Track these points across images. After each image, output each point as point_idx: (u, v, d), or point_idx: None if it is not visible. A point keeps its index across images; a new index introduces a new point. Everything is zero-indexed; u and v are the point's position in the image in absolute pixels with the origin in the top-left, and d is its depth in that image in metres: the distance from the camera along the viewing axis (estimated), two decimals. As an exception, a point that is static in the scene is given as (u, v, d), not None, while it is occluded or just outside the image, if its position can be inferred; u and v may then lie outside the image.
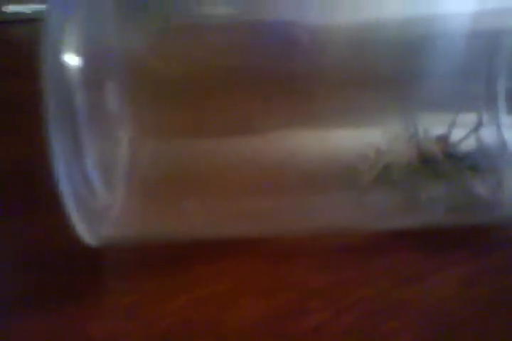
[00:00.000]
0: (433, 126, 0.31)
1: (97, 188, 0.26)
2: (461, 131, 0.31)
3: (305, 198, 0.29)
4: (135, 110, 0.30)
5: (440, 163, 0.29)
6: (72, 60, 0.24)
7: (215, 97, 0.30)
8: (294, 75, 0.30)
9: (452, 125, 0.30)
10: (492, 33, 0.33)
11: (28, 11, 0.67)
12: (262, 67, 0.30)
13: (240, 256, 0.27)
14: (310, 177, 0.30)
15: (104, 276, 0.27)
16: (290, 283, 0.26)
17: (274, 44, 0.29)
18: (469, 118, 0.31)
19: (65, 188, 0.23)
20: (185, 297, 0.25)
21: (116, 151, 0.29)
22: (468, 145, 0.30)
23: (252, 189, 0.30)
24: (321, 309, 0.25)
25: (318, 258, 0.27)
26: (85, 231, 0.25)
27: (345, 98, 0.31)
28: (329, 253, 0.27)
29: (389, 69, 0.31)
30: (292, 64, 0.30)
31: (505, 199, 0.29)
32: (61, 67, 0.24)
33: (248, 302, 0.25)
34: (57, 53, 0.24)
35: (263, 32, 0.30)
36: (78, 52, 0.25)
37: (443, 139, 0.30)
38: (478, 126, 0.30)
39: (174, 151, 0.31)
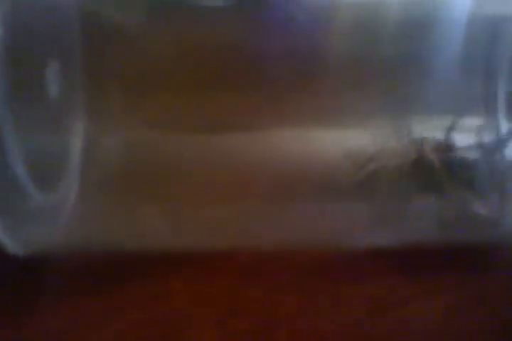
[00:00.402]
0: (431, 129, 0.27)
1: (28, 187, 0.22)
2: (462, 137, 0.27)
3: (279, 206, 0.25)
4: (94, 95, 0.26)
5: (436, 171, 0.25)
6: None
7: (193, 89, 0.27)
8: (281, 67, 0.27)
9: (451, 130, 0.26)
10: (491, 26, 0.29)
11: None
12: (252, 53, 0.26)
13: (196, 271, 0.23)
14: (287, 182, 0.26)
15: (32, 293, 0.22)
16: (254, 306, 0.22)
17: (273, 24, 0.26)
18: (471, 122, 0.28)
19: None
20: (125, 321, 0.21)
21: (58, 143, 0.25)
22: (470, 153, 0.26)
23: (220, 194, 0.26)
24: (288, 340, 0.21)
25: (288, 278, 0.23)
26: (10, 238, 0.21)
27: (336, 94, 0.28)
28: (302, 273, 0.23)
29: (388, 57, 0.27)
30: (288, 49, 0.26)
31: (506, 217, 0.25)
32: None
33: (202, 329, 0.21)
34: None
35: (262, 12, 0.26)
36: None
37: (442, 145, 0.26)
38: (480, 132, 0.26)
39: (138, 146, 0.27)
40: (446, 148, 0.25)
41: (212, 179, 0.26)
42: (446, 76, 0.30)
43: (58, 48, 0.24)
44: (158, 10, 0.26)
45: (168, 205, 0.25)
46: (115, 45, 0.25)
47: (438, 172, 0.25)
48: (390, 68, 0.29)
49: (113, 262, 0.23)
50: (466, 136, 0.26)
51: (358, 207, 0.25)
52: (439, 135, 0.26)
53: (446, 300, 0.23)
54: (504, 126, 0.30)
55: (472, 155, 0.25)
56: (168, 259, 0.23)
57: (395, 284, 0.23)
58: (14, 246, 0.21)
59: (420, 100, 0.29)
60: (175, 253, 0.23)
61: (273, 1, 0.27)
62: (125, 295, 0.22)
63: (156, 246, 0.24)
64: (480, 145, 0.25)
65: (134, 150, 0.26)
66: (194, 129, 0.27)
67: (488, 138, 0.30)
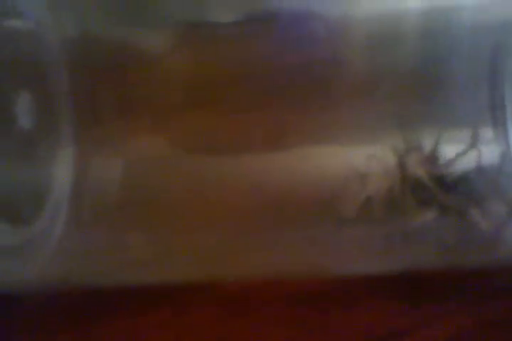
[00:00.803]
0: (425, 142, 0.25)
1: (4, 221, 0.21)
2: (457, 148, 0.26)
3: (270, 233, 0.24)
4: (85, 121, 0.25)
5: (428, 189, 0.23)
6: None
7: (193, 110, 0.26)
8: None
9: (440, 141, 0.24)
10: (495, 27, 0.28)
11: None
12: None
13: (180, 304, 0.22)
14: (279, 207, 0.25)
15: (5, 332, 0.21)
16: (242, 339, 0.21)
17: (288, 38, 0.25)
18: (466, 132, 0.26)
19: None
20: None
21: (36, 175, 0.24)
22: (464, 165, 0.24)
23: (209, 220, 0.25)
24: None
25: (278, 309, 0.22)
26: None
27: (345, 110, 0.27)
28: (291, 303, 0.22)
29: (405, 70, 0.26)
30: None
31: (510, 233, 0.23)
32: None
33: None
34: None
35: (277, 26, 0.25)
36: None
37: (430, 159, 0.24)
38: (474, 141, 0.24)
39: (132, 172, 0.26)
40: (435, 160, 0.24)
41: (203, 205, 0.25)
42: (453, 86, 0.28)
43: (31, 78, 0.23)
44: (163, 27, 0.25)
45: (155, 234, 0.24)
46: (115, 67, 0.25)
47: (429, 188, 0.23)
48: (401, 81, 0.28)
49: (93, 297, 0.22)
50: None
51: (352, 233, 0.23)
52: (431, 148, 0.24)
53: (448, 330, 0.21)
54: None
55: (467, 167, 0.23)
56: (154, 291, 0.22)
57: (392, 313, 0.21)
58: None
59: (429, 113, 0.28)
60: (161, 285, 0.22)
61: (281, 16, 0.26)
62: (102, 333, 0.21)
63: (141, 278, 0.23)
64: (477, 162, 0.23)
65: (131, 176, 0.26)
66: (194, 150, 0.26)
67: (494, 149, 0.28)
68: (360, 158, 0.26)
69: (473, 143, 0.24)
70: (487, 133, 0.28)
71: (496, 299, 0.21)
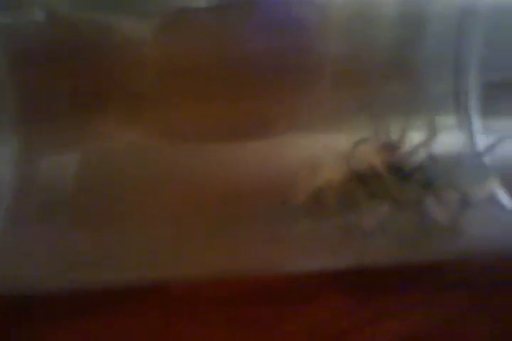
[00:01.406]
0: (386, 130, 0.25)
1: None
2: (417, 135, 0.25)
3: (220, 229, 0.23)
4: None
5: (383, 179, 0.23)
6: None
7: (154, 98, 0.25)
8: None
9: (398, 130, 0.24)
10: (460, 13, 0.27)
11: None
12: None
13: (121, 308, 0.21)
14: (232, 200, 0.24)
15: None
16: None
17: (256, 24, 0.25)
18: (427, 120, 0.25)
19: None
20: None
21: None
22: (422, 154, 0.23)
23: (163, 218, 0.24)
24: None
25: (224, 309, 0.21)
26: None
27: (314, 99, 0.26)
28: (239, 302, 0.21)
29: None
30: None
31: (468, 224, 0.22)
32: None
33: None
34: None
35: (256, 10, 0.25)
36: None
37: (386, 148, 0.24)
38: (433, 130, 0.23)
39: (86, 167, 0.25)
40: (391, 149, 0.23)
41: (157, 200, 0.24)
42: (417, 74, 0.28)
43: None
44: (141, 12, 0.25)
45: (101, 234, 0.23)
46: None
47: (384, 178, 0.22)
48: (368, 68, 0.27)
49: (22, 302, 0.21)
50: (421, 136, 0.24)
51: (303, 228, 0.23)
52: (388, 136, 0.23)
53: (401, 326, 0.20)
54: (476, 123, 0.27)
55: (424, 156, 0.23)
56: (93, 296, 0.21)
57: (343, 310, 0.20)
58: None
59: (396, 100, 0.27)
60: (102, 288, 0.21)
61: (259, 1, 0.25)
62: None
63: (82, 281, 0.22)
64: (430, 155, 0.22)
65: (83, 172, 0.25)
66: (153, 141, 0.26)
67: (460, 136, 0.27)
68: (316, 147, 0.25)
69: (432, 131, 0.23)
70: (449, 120, 0.27)
71: (450, 292, 0.20)
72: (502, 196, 0.24)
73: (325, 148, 0.25)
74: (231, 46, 0.25)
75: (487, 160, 0.24)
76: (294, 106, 0.27)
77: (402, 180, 0.23)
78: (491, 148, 0.24)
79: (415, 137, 0.24)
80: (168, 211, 0.24)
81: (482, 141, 0.26)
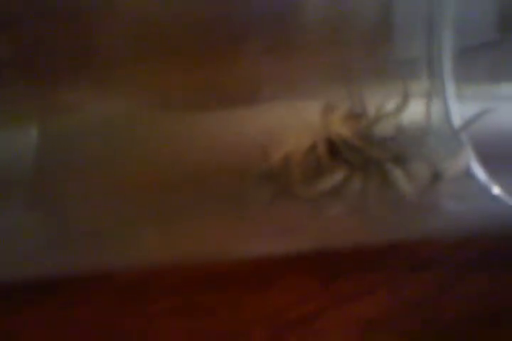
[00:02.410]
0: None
1: None
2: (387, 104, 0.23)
3: (174, 208, 0.21)
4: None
5: (349, 149, 0.21)
6: None
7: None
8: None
9: (363, 97, 0.21)
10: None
11: None
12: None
13: (67, 297, 0.19)
14: (196, 176, 0.22)
15: None
16: (132, 332, 0.18)
17: None
18: (397, 87, 0.23)
19: None
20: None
21: None
22: (391, 123, 0.21)
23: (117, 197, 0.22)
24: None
25: (177, 298, 0.19)
26: None
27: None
28: (195, 290, 0.19)
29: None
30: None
31: (438, 200, 0.20)
32: None
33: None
34: None
35: None
36: None
37: (354, 116, 0.21)
38: (405, 97, 0.21)
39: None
40: (361, 117, 0.21)
41: (115, 176, 0.22)
42: (391, 37, 0.25)
43: None
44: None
45: (49, 216, 0.21)
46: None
47: (354, 150, 0.20)
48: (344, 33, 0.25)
49: None
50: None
51: (266, 205, 0.20)
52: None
53: (370, 306, 0.18)
54: (451, 89, 0.25)
55: (395, 125, 0.21)
56: (39, 284, 0.19)
57: (305, 294, 0.19)
58: None
59: (368, 66, 0.25)
60: (47, 276, 0.19)
61: None
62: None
63: (26, 269, 0.20)
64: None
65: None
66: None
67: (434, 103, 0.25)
68: (284, 114, 0.23)
69: (404, 98, 0.21)
70: (422, 86, 0.25)
71: (416, 273, 0.18)
72: (476, 170, 0.23)
73: (293, 116, 0.22)
74: (213, 10, 0.23)
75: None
76: (275, 73, 0.24)
77: (369, 151, 0.21)
78: (468, 123, 0.22)
79: (386, 104, 0.22)
80: (128, 189, 0.22)
81: (457, 109, 0.24)
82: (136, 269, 0.18)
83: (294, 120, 0.22)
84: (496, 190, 0.22)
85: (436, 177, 0.20)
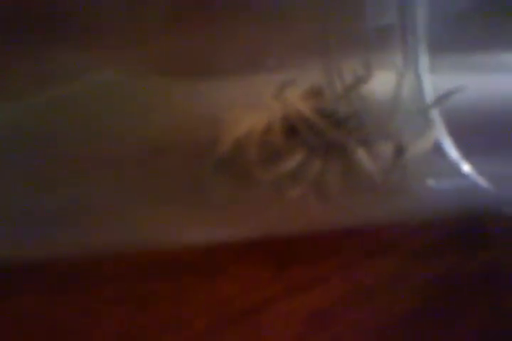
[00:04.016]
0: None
1: None
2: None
3: (124, 190, 0.20)
4: None
5: (310, 127, 0.19)
6: None
7: None
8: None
9: (331, 71, 0.20)
10: None
11: None
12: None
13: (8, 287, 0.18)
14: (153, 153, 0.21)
15: None
16: (73, 321, 0.17)
17: None
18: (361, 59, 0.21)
19: None
20: None
21: None
22: (356, 99, 0.20)
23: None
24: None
25: (120, 286, 0.18)
26: None
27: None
28: (136, 278, 0.18)
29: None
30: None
31: (405, 181, 0.19)
32: None
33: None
34: None
35: None
36: None
37: (315, 92, 0.20)
38: (367, 72, 0.20)
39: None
40: (323, 93, 0.19)
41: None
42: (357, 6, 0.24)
43: None
44: None
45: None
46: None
47: (313, 129, 0.19)
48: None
49: None
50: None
51: (215, 190, 0.19)
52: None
53: (321, 296, 0.17)
54: (424, 61, 0.24)
55: (358, 101, 0.19)
56: None
57: (258, 282, 0.18)
58: None
59: (337, 36, 0.23)
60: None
61: None
62: None
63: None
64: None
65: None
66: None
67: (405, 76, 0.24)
68: (238, 90, 0.22)
69: (367, 71, 0.20)
70: (394, 57, 0.24)
71: (372, 260, 0.17)
72: (448, 147, 0.21)
73: (249, 92, 0.21)
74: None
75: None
76: (233, 46, 0.23)
77: (330, 132, 0.19)
78: (439, 101, 0.21)
79: (350, 78, 0.21)
80: (79, 165, 0.20)
81: (430, 82, 0.23)
82: (78, 256, 0.17)
83: (250, 97, 0.20)
84: (466, 168, 0.21)
85: (399, 155, 0.19)
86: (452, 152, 0.22)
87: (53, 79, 0.21)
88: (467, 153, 0.21)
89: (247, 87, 0.22)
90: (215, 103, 0.22)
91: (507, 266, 0.17)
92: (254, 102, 0.21)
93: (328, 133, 0.20)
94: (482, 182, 0.21)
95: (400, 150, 0.19)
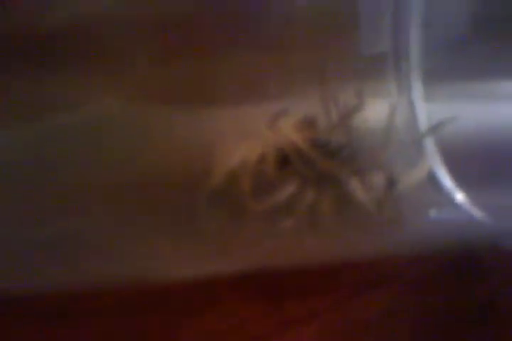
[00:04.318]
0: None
1: None
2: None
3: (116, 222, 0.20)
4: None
5: (303, 158, 0.19)
6: None
7: None
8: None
9: (327, 101, 0.20)
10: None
11: None
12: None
13: None
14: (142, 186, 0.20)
15: None
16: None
17: None
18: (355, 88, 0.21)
19: None
20: None
21: None
22: (348, 129, 0.20)
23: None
24: None
25: (109, 320, 0.17)
26: None
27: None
28: (125, 311, 0.18)
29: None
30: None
31: (397, 212, 0.19)
32: None
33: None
34: None
35: None
36: None
37: (308, 123, 0.20)
38: (360, 102, 0.20)
39: None
40: (316, 123, 0.19)
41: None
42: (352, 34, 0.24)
43: None
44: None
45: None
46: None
47: (307, 157, 0.19)
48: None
49: None
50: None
51: (210, 222, 0.19)
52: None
53: (317, 329, 0.17)
54: (417, 90, 0.24)
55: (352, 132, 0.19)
56: None
57: (251, 317, 0.17)
58: None
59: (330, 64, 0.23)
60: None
61: None
62: None
63: None
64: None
65: None
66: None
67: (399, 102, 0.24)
68: (233, 121, 0.22)
69: (360, 101, 0.20)
70: (388, 86, 0.24)
71: (366, 294, 0.17)
72: (442, 177, 0.21)
73: (243, 122, 0.21)
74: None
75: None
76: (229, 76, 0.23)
77: (323, 164, 0.19)
78: (433, 130, 0.21)
79: (344, 107, 0.21)
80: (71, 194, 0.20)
81: (424, 111, 0.23)
82: (67, 289, 0.17)
83: (244, 126, 0.20)
84: (461, 198, 0.21)
85: (392, 185, 0.19)
86: (447, 182, 0.21)
87: (53, 108, 0.21)
88: (462, 183, 0.21)
89: (243, 116, 0.21)
90: (210, 132, 0.22)
91: (503, 301, 0.17)
92: (249, 132, 0.20)
93: (321, 164, 0.19)
94: (477, 212, 0.20)
95: (392, 181, 0.19)
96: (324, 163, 0.19)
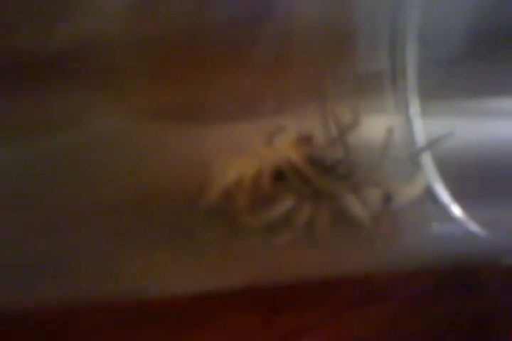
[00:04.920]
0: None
1: None
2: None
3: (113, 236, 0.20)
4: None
5: (299, 175, 0.19)
6: None
7: None
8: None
9: (325, 117, 0.20)
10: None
11: None
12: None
13: None
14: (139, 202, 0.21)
15: None
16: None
17: None
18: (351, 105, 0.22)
19: None
20: None
21: None
22: (345, 145, 0.20)
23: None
24: None
25: (106, 335, 0.18)
26: None
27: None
28: (122, 326, 0.18)
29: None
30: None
31: (395, 227, 0.19)
32: None
33: None
34: None
35: None
36: None
37: (304, 140, 0.20)
38: (355, 119, 0.20)
39: None
40: (312, 140, 0.20)
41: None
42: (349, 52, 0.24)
43: None
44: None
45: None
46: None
47: (303, 173, 0.19)
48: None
49: None
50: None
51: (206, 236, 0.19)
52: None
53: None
54: (415, 106, 0.24)
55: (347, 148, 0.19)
56: None
57: (248, 330, 0.17)
58: None
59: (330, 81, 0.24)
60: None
61: None
62: None
63: None
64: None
65: None
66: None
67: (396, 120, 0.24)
68: (229, 137, 0.22)
69: (355, 118, 0.20)
70: (385, 102, 0.24)
71: (363, 308, 0.17)
72: (439, 192, 0.21)
73: (239, 139, 0.21)
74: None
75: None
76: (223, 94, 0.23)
77: (321, 176, 0.19)
78: (430, 145, 0.21)
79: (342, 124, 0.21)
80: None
81: (421, 127, 0.23)
82: (64, 304, 0.17)
83: (241, 143, 0.20)
84: (458, 213, 0.21)
85: (388, 201, 0.19)
86: (444, 197, 0.21)
87: (51, 125, 0.21)
88: (459, 198, 0.21)
89: (239, 133, 0.22)
90: (207, 149, 0.22)
91: (499, 316, 0.17)
92: (245, 149, 0.21)
93: (317, 181, 0.20)
94: (474, 227, 0.20)
95: (388, 197, 0.19)
96: (320, 180, 0.19)
